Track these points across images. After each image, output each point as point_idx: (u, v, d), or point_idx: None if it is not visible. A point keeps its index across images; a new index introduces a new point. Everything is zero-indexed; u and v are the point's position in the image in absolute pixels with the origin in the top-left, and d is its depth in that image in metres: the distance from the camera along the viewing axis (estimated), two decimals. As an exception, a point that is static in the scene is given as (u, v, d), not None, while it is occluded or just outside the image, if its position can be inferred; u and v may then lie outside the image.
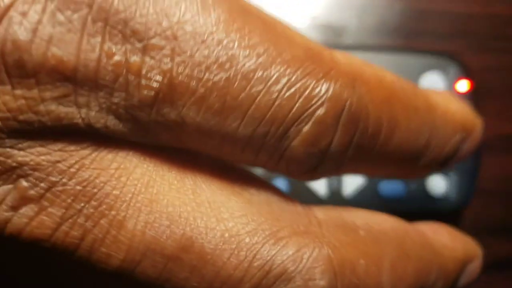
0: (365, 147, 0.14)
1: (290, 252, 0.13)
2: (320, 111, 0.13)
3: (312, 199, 0.26)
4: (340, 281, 0.13)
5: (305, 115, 0.12)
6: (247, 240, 0.13)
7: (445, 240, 0.17)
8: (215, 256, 0.13)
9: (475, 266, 0.18)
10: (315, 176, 0.14)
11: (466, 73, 0.26)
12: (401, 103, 0.14)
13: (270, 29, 0.13)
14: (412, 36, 0.29)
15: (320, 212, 0.15)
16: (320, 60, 0.13)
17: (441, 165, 0.17)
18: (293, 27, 0.13)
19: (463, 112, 0.17)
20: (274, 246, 0.13)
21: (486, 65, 0.29)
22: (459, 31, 0.29)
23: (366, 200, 0.26)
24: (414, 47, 0.28)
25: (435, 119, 0.15)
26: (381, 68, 0.15)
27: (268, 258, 0.13)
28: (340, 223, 0.15)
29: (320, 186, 0.26)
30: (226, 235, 0.13)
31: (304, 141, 0.13)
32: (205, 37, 0.12)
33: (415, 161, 0.15)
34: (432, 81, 0.26)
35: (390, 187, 0.26)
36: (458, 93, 0.26)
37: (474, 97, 0.26)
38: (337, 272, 0.13)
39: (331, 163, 0.14)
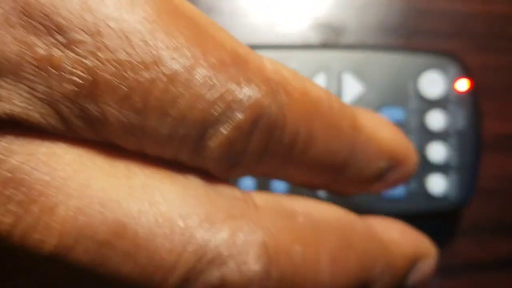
0: (279, 154, 0.14)
1: (225, 236, 0.13)
2: (239, 116, 0.13)
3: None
4: (274, 266, 0.13)
5: (223, 118, 0.13)
6: (181, 224, 0.13)
7: (394, 236, 0.17)
8: (148, 240, 0.12)
9: (427, 264, 0.18)
10: (232, 174, 0.14)
11: (466, 72, 0.26)
12: (322, 119, 0.15)
13: (200, 31, 0.13)
14: (411, 35, 0.29)
15: (258, 198, 0.15)
16: (246, 65, 0.13)
17: (362, 187, 0.17)
18: (223, 28, 0.13)
19: (394, 141, 0.17)
20: (208, 230, 0.13)
21: (486, 64, 0.29)
22: (458, 30, 0.29)
23: (366, 200, 0.26)
24: (414, 46, 0.28)
25: (356, 141, 0.16)
26: (312, 82, 0.15)
27: (202, 242, 0.13)
28: (279, 209, 0.15)
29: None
30: (160, 219, 0.13)
31: (221, 143, 0.13)
32: (131, 35, 0.12)
33: (333, 176, 0.16)
34: (432, 80, 0.26)
35: (390, 186, 0.26)
36: (458, 92, 0.26)
37: (473, 96, 0.26)
38: (271, 257, 0.13)
39: (246, 164, 0.14)
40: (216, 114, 0.13)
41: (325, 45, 0.28)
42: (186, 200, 0.13)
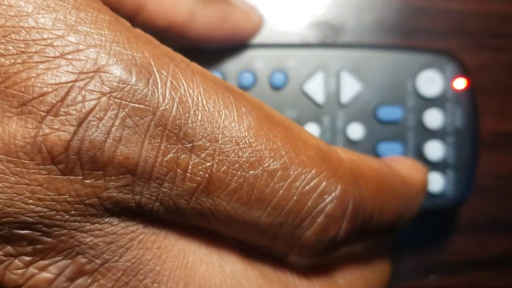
0: (361, 230, 0.17)
1: None
2: (331, 206, 0.15)
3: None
4: None
5: (317, 209, 0.15)
6: None
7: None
8: None
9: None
10: (323, 257, 0.17)
11: (463, 71, 0.26)
12: (387, 189, 0.17)
13: (289, 133, 0.15)
14: (409, 34, 0.29)
15: (314, 279, 0.18)
16: (329, 160, 0.15)
17: (408, 225, 0.20)
18: (303, 128, 0.16)
19: (423, 176, 0.20)
20: None
21: (483, 63, 0.29)
22: (455, 29, 0.29)
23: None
24: (412, 45, 0.29)
25: (407, 194, 0.19)
26: (367, 156, 0.18)
27: None
28: (325, 278, 0.18)
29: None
30: None
31: (317, 231, 0.15)
32: (239, 140, 0.14)
33: (391, 229, 0.19)
34: (430, 78, 0.26)
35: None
36: (456, 90, 0.26)
37: (471, 95, 0.26)
38: None
39: (336, 247, 0.16)
40: (311, 205, 0.15)
41: (323, 44, 0.28)
42: (265, 286, 0.16)
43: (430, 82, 0.26)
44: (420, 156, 0.26)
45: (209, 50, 0.24)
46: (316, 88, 0.26)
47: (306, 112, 0.26)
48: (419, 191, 0.20)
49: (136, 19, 0.14)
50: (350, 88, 0.26)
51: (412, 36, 0.29)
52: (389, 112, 0.26)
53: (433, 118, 0.26)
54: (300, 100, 0.26)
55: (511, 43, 0.29)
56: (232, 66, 0.25)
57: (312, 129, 0.26)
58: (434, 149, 0.26)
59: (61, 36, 0.13)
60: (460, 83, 0.26)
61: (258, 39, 0.26)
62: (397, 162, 0.20)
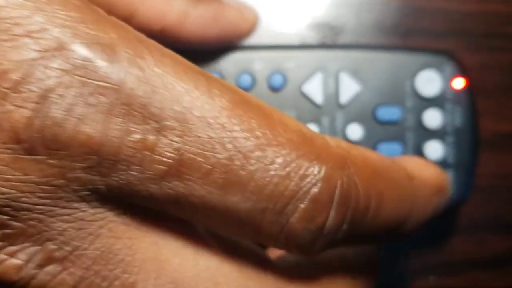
0: (356, 222, 0.15)
1: None
2: (314, 190, 0.14)
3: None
4: None
5: (300, 193, 0.14)
6: None
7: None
8: None
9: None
10: (313, 252, 0.15)
11: (462, 71, 0.26)
12: (385, 180, 0.16)
13: (267, 116, 0.14)
14: (408, 34, 0.29)
15: (293, 273, 0.17)
16: (312, 144, 0.15)
17: (425, 224, 0.19)
18: (285, 114, 0.15)
19: (436, 174, 0.19)
20: None
21: (482, 63, 0.29)
22: (455, 29, 0.29)
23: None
24: (411, 45, 0.29)
25: (414, 190, 0.17)
26: (366, 148, 0.17)
27: None
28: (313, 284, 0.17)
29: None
30: None
31: (301, 217, 0.14)
32: (211, 120, 0.14)
33: (396, 231, 0.17)
34: (428, 79, 0.26)
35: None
36: (455, 90, 0.26)
37: (470, 94, 0.26)
38: None
39: (327, 238, 0.15)
40: (292, 188, 0.14)
41: (321, 45, 0.28)
42: (242, 281, 0.15)
43: (429, 82, 0.26)
44: (419, 156, 0.26)
45: (207, 51, 0.25)
46: (315, 89, 0.26)
47: (305, 113, 0.26)
48: (431, 189, 0.18)
49: (129, 25, 0.14)
50: (349, 88, 0.26)
51: (411, 36, 0.29)
52: (388, 113, 0.26)
53: (433, 118, 0.26)
54: (299, 101, 0.26)
55: (511, 43, 0.29)
56: (231, 68, 0.25)
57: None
58: (434, 149, 0.26)
59: (28, 16, 0.13)
60: (459, 83, 0.26)
61: (256, 40, 0.26)
62: (405, 159, 0.19)
